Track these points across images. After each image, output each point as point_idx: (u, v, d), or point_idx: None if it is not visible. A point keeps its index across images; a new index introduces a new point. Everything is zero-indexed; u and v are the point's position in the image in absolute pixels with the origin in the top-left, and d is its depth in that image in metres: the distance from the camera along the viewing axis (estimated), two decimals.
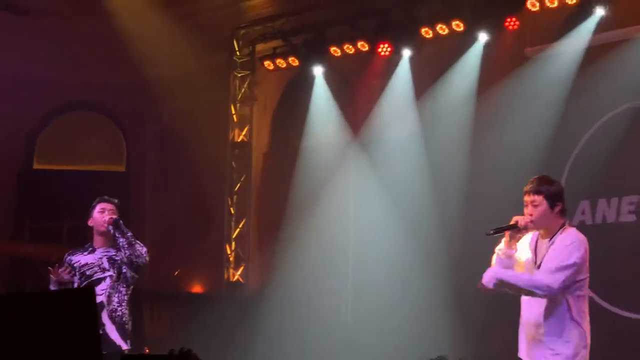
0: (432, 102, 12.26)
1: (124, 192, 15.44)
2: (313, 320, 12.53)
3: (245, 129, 14.47)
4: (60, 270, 7.64)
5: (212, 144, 14.53)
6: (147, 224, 15.72)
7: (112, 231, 7.69)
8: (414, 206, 12.01)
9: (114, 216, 7.74)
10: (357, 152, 13.01)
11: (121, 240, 7.64)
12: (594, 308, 9.99)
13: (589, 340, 6.36)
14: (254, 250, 14.35)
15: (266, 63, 13.73)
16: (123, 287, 7.74)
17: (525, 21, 11.43)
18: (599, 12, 10.78)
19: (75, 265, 7.76)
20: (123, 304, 7.73)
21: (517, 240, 6.36)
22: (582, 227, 5.85)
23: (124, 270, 7.76)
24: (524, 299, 6.37)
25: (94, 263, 7.73)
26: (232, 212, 14.32)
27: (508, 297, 6.57)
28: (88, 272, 7.71)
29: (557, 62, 11.20)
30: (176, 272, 14.74)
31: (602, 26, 10.86)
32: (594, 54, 10.91)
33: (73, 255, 7.86)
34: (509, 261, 6.35)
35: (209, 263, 14.57)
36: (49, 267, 7.67)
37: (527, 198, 6.29)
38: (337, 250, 13.02)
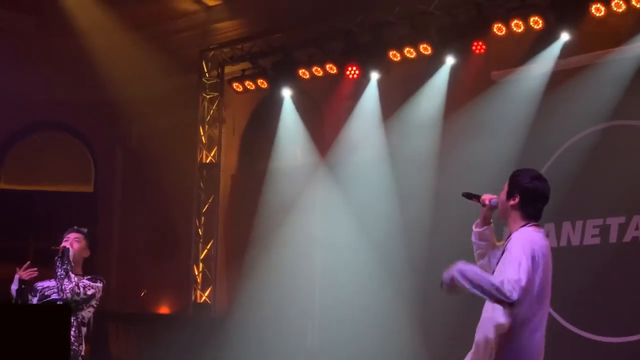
0: (399, 125, 12.33)
1: (92, 213, 15.41)
2: (279, 342, 12.51)
3: (214, 151, 14.48)
4: (30, 269, 7.73)
5: (180, 165, 14.52)
6: (115, 245, 15.70)
7: (56, 257, 7.74)
8: (381, 228, 12.05)
9: (67, 245, 7.79)
10: (324, 174, 13.04)
11: (59, 270, 7.71)
12: (558, 330, 10.11)
13: None
14: (222, 272, 14.33)
15: (235, 85, 13.74)
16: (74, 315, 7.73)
17: (492, 45, 11.50)
18: (564, 37, 10.90)
19: (38, 287, 7.85)
20: (73, 328, 7.66)
21: (488, 222, 6.16)
22: None
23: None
24: None
25: (54, 286, 7.79)
26: (200, 233, 14.31)
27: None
28: (47, 293, 7.79)
29: (523, 85, 11.30)
30: (143, 293, 14.69)
31: (566, 51, 10.97)
32: (558, 78, 11.02)
33: (41, 281, 7.91)
34: (480, 243, 6.12)
35: (176, 284, 14.52)
36: (17, 268, 7.72)
37: None
38: (304, 272, 13.02)
